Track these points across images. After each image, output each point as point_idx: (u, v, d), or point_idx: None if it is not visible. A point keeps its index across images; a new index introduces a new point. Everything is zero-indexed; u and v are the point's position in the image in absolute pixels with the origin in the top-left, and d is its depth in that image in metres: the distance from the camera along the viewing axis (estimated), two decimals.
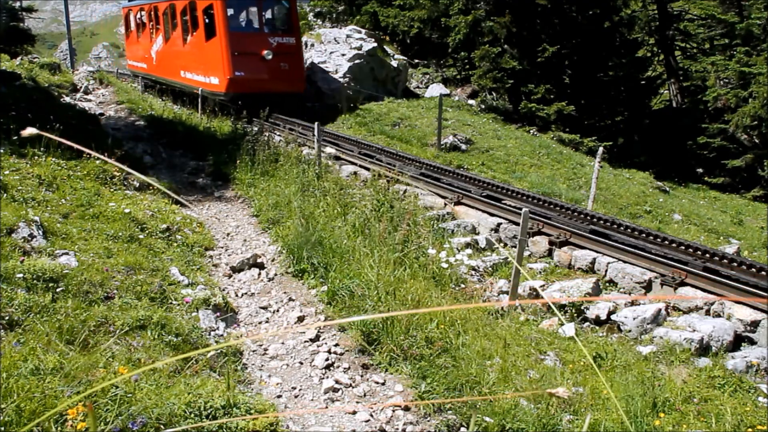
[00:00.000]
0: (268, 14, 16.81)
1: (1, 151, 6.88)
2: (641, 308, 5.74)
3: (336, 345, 4.54)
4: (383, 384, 4.11)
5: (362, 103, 17.53)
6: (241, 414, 3.03)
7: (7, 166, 6.42)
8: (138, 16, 21.72)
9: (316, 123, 9.87)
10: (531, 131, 18.50)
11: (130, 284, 4.43)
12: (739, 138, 19.93)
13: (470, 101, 20.61)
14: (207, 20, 15.83)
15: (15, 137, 7.37)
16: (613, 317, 5.73)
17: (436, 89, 20.69)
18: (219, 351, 4.05)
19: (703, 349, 5.21)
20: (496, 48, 19.18)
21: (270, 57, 15.31)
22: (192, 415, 2.93)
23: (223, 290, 5.49)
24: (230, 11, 15.75)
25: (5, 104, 8.94)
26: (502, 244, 7.74)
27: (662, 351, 5.11)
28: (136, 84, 23.79)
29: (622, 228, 7.52)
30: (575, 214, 8.09)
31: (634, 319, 5.58)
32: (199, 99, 15.45)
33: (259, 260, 6.28)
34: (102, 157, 1.30)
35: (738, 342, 5.42)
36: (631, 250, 6.70)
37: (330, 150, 11.04)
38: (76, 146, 1.15)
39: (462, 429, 3.65)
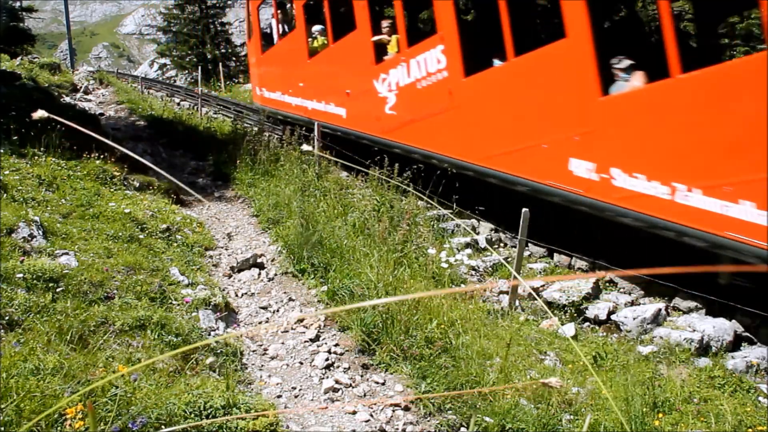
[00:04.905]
0: None
1: (1, 151, 6.88)
2: (641, 308, 5.74)
3: (336, 345, 4.54)
4: (383, 384, 4.11)
5: None
6: (240, 414, 3.03)
7: (7, 166, 6.42)
8: (315, 8, 10.08)
9: (316, 123, 9.86)
10: None
11: (130, 284, 4.43)
12: None
13: None
14: None
15: (15, 137, 7.37)
16: (613, 317, 5.73)
17: None
18: (219, 351, 4.05)
19: (703, 349, 5.21)
20: None
21: None
22: (192, 415, 2.93)
23: (223, 290, 5.49)
24: None
25: (5, 104, 8.95)
26: (502, 244, 7.73)
27: (662, 351, 5.11)
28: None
29: None
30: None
31: (633, 319, 5.58)
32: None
33: (259, 260, 6.28)
34: (113, 145, 1.30)
35: (738, 342, 5.42)
36: None
37: None
38: (85, 131, 1.15)
39: (462, 429, 3.65)
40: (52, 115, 1.10)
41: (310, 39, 10.35)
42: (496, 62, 6.82)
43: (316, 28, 10.13)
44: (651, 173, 5.21)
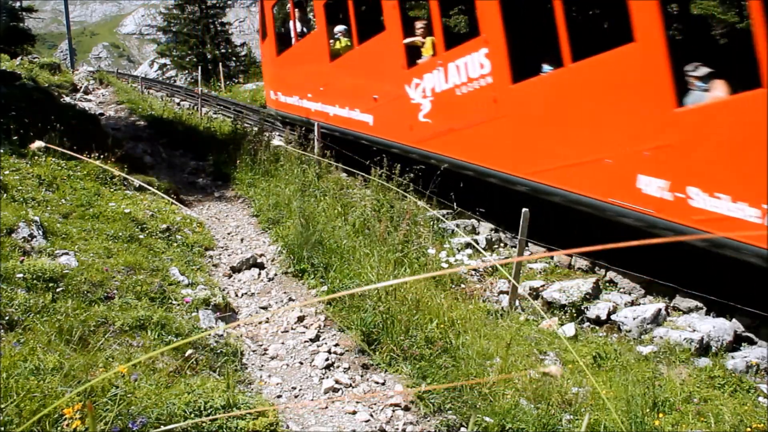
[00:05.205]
0: None
1: (1, 151, 6.88)
2: (641, 308, 5.74)
3: (336, 345, 4.54)
4: (383, 384, 4.12)
5: None
6: (240, 414, 3.03)
7: (7, 166, 6.43)
8: (338, 7, 9.65)
9: (316, 123, 9.86)
10: None
11: (130, 284, 4.43)
12: None
13: None
14: None
15: (15, 137, 7.38)
16: (613, 317, 5.73)
17: None
18: (219, 351, 4.05)
19: (703, 349, 5.22)
20: None
21: None
22: (192, 415, 2.93)
23: (223, 290, 5.49)
24: None
25: (5, 104, 8.95)
26: (502, 244, 7.74)
27: (662, 351, 5.11)
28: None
29: None
30: None
31: (634, 319, 5.58)
32: None
33: (259, 260, 6.28)
34: (103, 165, 1.30)
35: (738, 342, 5.42)
36: None
37: None
38: (76, 155, 1.15)
39: (462, 429, 3.65)
40: (50, 145, 1.12)
41: (331, 40, 9.71)
42: (546, 68, 6.45)
43: (339, 28, 9.69)
44: (737, 194, 4.62)
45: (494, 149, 6.79)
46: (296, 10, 10.95)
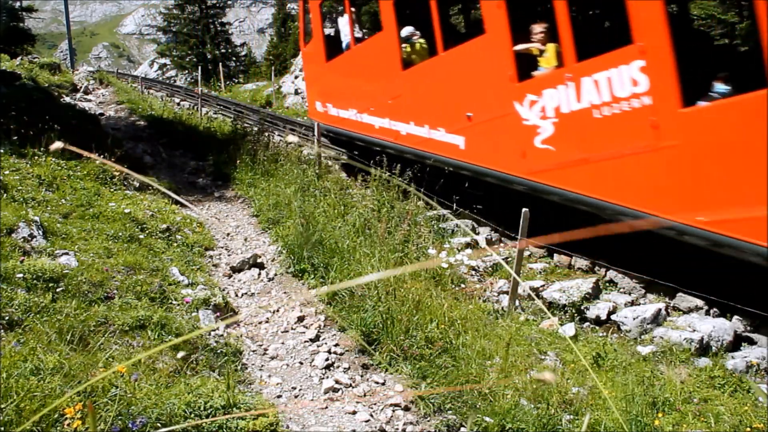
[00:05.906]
0: None
1: (1, 151, 6.88)
2: (641, 308, 5.75)
3: (336, 345, 4.54)
4: (383, 384, 4.12)
5: None
6: (240, 414, 3.03)
7: (7, 166, 6.43)
8: (414, 6, 8.45)
9: (316, 123, 9.86)
10: None
11: (130, 284, 4.43)
12: None
13: None
14: None
15: (15, 137, 7.38)
16: (613, 317, 5.73)
17: None
18: (219, 351, 4.05)
19: (703, 349, 5.22)
20: None
21: None
22: (192, 415, 2.93)
23: (223, 290, 5.49)
24: None
25: (5, 104, 8.95)
26: (502, 245, 7.73)
27: (662, 351, 5.11)
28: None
29: None
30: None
31: (634, 319, 5.58)
32: None
33: (259, 260, 6.28)
34: (107, 162, 1.30)
35: (738, 342, 5.42)
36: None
37: None
38: (80, 152, 1.15)
39: (462, 429, 3.65)
40: (68, 146, 1.09)
41: (404, 45, 8.38)
42: (719, 87, 5.45)
43: (409, 30, 8.44)
44: None
45: (654, 188, 5.41)
46: (352, 8, 9.43)
